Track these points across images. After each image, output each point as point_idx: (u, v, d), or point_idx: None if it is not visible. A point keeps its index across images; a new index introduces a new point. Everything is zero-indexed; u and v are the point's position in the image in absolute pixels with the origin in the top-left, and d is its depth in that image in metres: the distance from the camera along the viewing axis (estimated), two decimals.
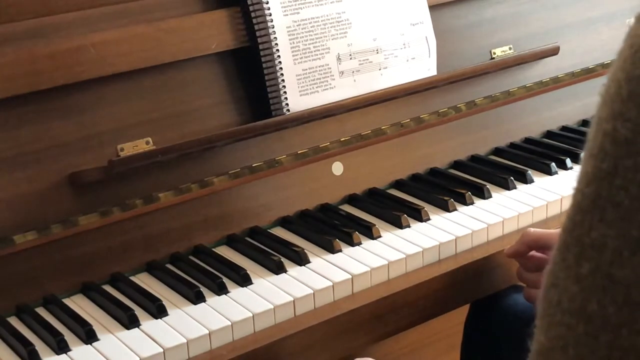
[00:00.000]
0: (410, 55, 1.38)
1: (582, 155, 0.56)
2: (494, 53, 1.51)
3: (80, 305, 1.12)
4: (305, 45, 1.29)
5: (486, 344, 1.31)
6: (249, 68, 1.27)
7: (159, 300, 1.09)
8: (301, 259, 1.18)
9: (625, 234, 0.51)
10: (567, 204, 1.31)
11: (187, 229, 1.23)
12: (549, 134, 1.57)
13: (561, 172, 1.43)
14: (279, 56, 1.26)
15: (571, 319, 0.53)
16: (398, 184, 1.41)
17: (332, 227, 1.26)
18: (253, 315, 1.07)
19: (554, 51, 1.50)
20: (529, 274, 1.18)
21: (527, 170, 1.40)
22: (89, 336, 1.04)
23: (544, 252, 1.16)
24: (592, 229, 0.52)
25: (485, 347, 1.31)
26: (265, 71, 1.26)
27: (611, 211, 0.52)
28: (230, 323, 1.06)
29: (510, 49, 1.52)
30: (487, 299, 1.27)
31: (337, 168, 1.35)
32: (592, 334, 0.52)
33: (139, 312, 1.08)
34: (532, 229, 1.17)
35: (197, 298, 1.10)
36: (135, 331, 1.06)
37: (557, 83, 1.54)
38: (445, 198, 1.31)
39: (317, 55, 1.30)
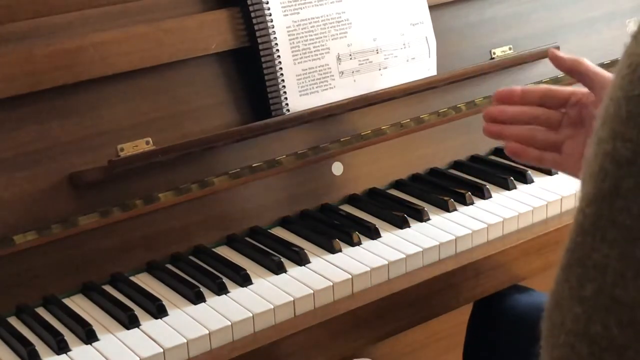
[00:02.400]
0: (410, 55, 1.38)
1: (582, 174, 0.55)
2: (494, 53, 1.51)
3: (80, 305, 1.13)
4: (305, 45, 1.29)
5: (489, 343, 1.31)
6: (249, 68, 1.27)
7: (159, 300, 1.09)
8: (301, 259, 1.18)
9: (628, 255, 0.50)
10: (567, 204, 1.32)
11: (187, 229, 1.23)
12: None
13: (561, 172, 1.43)
14: (279, 56, 1.26)
15: (575, 340, 0.52)
16: (398, 184, 1.41)
17: (332, 227, 1.26)
18: (253, 315, 1.07)
19: None
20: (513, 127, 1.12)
21: (527, 170, 1.40)
22: (89, 336, 1.04)
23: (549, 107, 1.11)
24: (594, 250, 0.52)
25: (488, 347, 1.31)
26: (265, 71, 1.26)
27: (613, 232, 0.51)
28: (230, 323, 1.06)
29: (510, 49, 1.52)
30: (489, 299, 1.27)
31: (337, 168, 1.35)
32: (597, 355, 0.51)
33: (139, 312, 1.08)
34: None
35: (197, 298, 1.10)
36: (135, 331, 1.06)
37: (557, 83, 1.54)
38: (445, 198, 1.31)
39: (317, 55, 1.30)
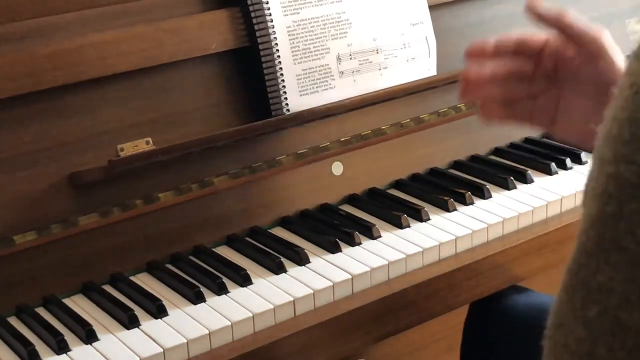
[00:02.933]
0: (410, 55, 1.38)
1: (584, 192, 0.55)
2: None
3: (80, 305, 1.12)
4: (305, 45, 1.29)
5: (485, 344, 1.31)
6: (249, 68, 1.27)
7: (159, 300, 1.09)
8: (301, 259, 1.18)
9: (633, 278, 0.50)
10: (567, 204, 1.32)
11: (187, 229, 1.23)
12: (549, 134, 1.57)
13: (561, 172, 1.43)
14: (279, 56, 1.26)
15: None
16: (398, 184, 1.41)
17: (332, 227, 1.26)
18: (253, 315, 1.07)
19: None
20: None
21: (527, 170, 1.40)
22: (89, 336, 1.04)
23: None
24: (598, 272, 0.52)
25: (485, 347, 1.31)
26: (265, 71, 1.26)
27: (617, 255, 0.51)
28: (230, 323, 1.06)
29: None
30: (486, 300, 1.27)
31: (337, 168, 1.35)
32: None
33: (139, 312, 1.08)
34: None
35: (197, 298, 1.10)
36: (135, 331, 1.06)
37: None
38: (445, 198, 1.31)
39: (317, 55, 1.30)
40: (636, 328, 0.50)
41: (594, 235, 0.52)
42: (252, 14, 1.25)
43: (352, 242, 1.22)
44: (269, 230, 1.28)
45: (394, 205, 1.32)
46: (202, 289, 1.12)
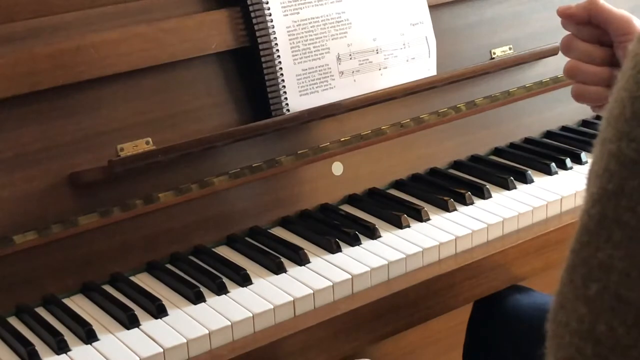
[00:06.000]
0: (410, 55, 1.38)
1: (587, 176, 0.55)
2: (494, 53, 1.51)
3: (80, 305, 1.13)
4: (305, 45, 1.29)
5: (488, 344, 1.31)
6: (249, 68, 1.27)
7: (159, 300, 1.09)
8: (301, 259, 1.18)
9: (633, 255, 0.50)
10: (567, 204, 1.32)
11: (187, 229, 1.23)
12: (549, 134, 1.57)
13: (561, 172, 1.43)
14: (279, 56, 1.26)
15: (580, 340, 0.52)
16: (398, 184, 1.41)
17: (332, 227, 1.26)
18: (253, 315, 1.07)
19: (554, 51, 1.50)
20: (580, 43, 1.08)
21: (527, 170, 1.40)
22: (89, 336, 1.04)
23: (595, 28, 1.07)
24: (598, 249, 0.52)
25: (488, 347, 1.31)
26: (265, 71, 1.26)
27: (618, 232, 0.51)
28: (230, 323, 1.06)
29: (510, 49, 1.52)
30: (489, 299, 1.27)
31: (337, 168, 1.35)
32: (602, 356, 0.51)
33: (139, 312, 1.08)
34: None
35: (197, 298, 1.10)
36: (135, 331, 1.06)
37: (557, 83, 1.54)
38: (445, 198, 1.31)
39: (317, 55, 1.30)
40: (636, 304, 0.50)
41: (595, 214, 0.52)
42: (252, 14, 1.25)
43: (352, 242, 1.22)
44: (269, 230, 1.28)
45: (394, 205, 1.32)
46: (202, 289, 1.12)
